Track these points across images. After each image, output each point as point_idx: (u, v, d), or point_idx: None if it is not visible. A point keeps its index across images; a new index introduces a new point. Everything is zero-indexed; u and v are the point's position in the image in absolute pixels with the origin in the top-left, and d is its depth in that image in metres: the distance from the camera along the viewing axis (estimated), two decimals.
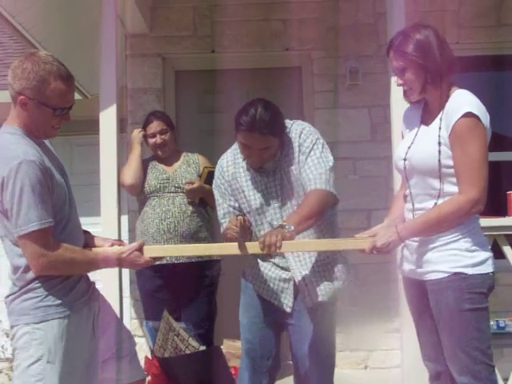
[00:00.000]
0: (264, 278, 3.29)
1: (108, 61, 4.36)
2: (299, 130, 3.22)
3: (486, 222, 3.52)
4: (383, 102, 4.89)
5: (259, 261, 3.31)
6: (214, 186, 3.38)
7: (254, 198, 3.22)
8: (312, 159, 3.15)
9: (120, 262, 2.83)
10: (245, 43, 5.73)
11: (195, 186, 4.51)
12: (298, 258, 3.21)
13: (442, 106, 2.79)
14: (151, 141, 4.65)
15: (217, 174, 3.37)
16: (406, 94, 2.93)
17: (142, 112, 5.54)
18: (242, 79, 5.74)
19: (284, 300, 3.25)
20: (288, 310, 3.24)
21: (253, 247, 2.87)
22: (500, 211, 4.58)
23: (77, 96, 6.63)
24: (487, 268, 2.74)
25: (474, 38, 5.67)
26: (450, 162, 2.71)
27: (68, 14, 5.34)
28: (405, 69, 2.81)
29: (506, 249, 4.29)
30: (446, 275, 2.72)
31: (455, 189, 2.72)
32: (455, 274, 2.71)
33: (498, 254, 4.09)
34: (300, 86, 5.82)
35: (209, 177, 4.46)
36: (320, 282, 3.22)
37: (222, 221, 3.30)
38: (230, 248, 2.93)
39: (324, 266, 3.24)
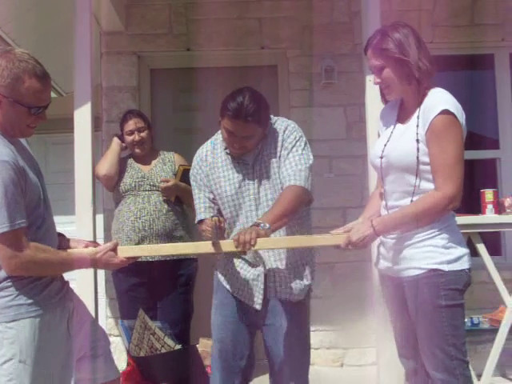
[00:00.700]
0: (235, 276, 3.28)
1: (82, 59, 4.34)
2: (284, 126, 3.24)
3: (460, 219, 3.55)
4: (358, 101, 4.91)
5: (230, 258, 3.31)
6: (191, 176, 3.39)
7: (230, 189, 3.22)
8: (293, 155, 3.16)
9: (94, 263, 2.81)
10: (220, 41, 5.72)
11: (170, 184, 4.50)
12: (272, 252, 3.22)
13: (418, 105, 2.81)
14: (129, 138, 4.64)
15: (194, 163, 3.37)
16: (383, 93, 2.94)
17: (117, 110, 5.52)
18: (218, 77, 5.73)
19: (253, 297, 3.25)
20: (257, 307, 3.23)
21: (227, 245, 2.86)
22: (474, 209, 4.63)
23: (52, 94, 6.55)
24: (463, 265, 2.76)
25: (448, 37, 5.72)
26: (427, 159, 2.73)
27: (42, 11, 5.31)
28: (383, 67, 2.82)
29: (480, 246, 4.33)
30: (422, 272, 2.74)
31: (431, 186, 2.74)
32: (431, 270, 2.72)
33: (472, 252, 4.13)
34: (275, 84, 5.82)
35: (184, 175, 4.45)
36: (291, 279, 3.23)
37: (198, 212, 3.31)
38: (205, 247, 2.92)
39: (295, 264, 3.25)
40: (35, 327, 2.58)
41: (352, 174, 5.53)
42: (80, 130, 4.34)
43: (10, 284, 2.57)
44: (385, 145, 2.90)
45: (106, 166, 4.53)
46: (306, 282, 3.26)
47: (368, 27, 4.15)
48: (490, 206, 4.47)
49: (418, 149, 2.73)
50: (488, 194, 4.50)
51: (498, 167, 5.82)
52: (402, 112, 2.96)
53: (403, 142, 2.80)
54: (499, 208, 4.52)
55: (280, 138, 3.21)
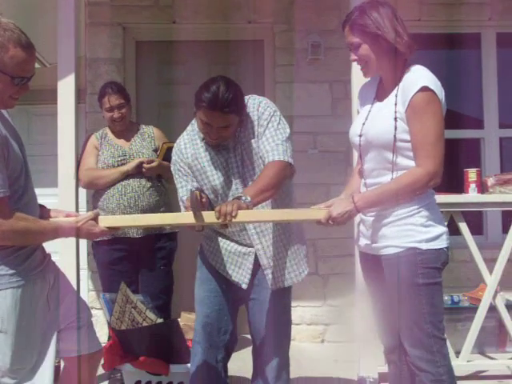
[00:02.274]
0: (221, 253, 3.29)
1: (65, 29, 4.28)
2: (257, 104, 3.20)
3: (442, 198, 3.58)
4: (344, 78, 4.89)
5: (219, 237, 3.31)
6: (173, 170, 3.33)
7: (218, 177, 3.20)
8: (270, 131, 3.14)
9: (74, 231, 2.80)
10: (206, 15, 5.67)
11: (154, 164, 4.47)
12: (264, 236, 3.23)
13: (396, 83, 2.80)
14: (108, 115, 4.59)
15: (175, 157, 3.31)
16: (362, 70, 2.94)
17: (101, 82, 5.44)
18: (204, 51, 5.71)
19: (240, 276, 3.26)
20: (244, 286, 3.25)
21: (208, 216, 2.84)
22: (457, 188, 4.65)
23: (36, 65, 6.50)
24: (441, 243, 2.77)
25: (435, 15, 5.70)
26: (406, 137, 2.73)
27: None
28: (360, 44, 2.81)
29: (462, 225, 4.35)
30: (401, 250, 2.75)
31: (410, 163, 2.74)
32: (409, 248, 2.73)
33: (455, 231, 4.16)
34: (261, 59, 5.80)
35: (167, 153, 4.43)
36: (285, 267, 3.26)
37: (184, 198, 3.26)
38: (186, 217, 2.90)
39: (286, 246, 3.28)
40: (16, 298, 2.57)
41: (336, 150, 5.53)
42: (63, 102, 4.30)
43: None
44: (363, 123, 2.90)
45: (105, 182, 4.48)
46: (300, 269, 3.33)
47: (355, 4, 4.09)
48: (472, 186, 4.48)
49: (395, 127, 2.73)
50: (471, 174, 4.51)
51: (481, 147, 5.85)
52: (380, 90, 2.95)
53: (381, 119, 2.80)
54: (482, 187, 4.53)
55: (255, 118, 3.18)
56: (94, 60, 5.63)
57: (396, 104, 2.75)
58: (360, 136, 2.89)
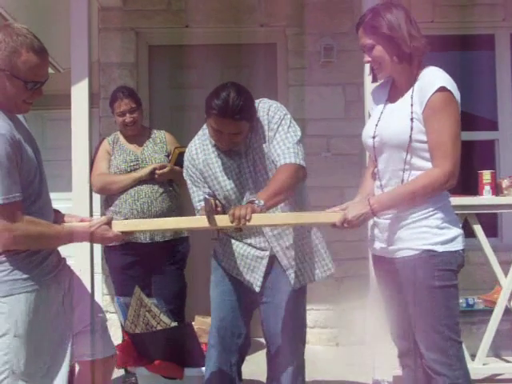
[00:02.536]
0: (234, 256, 3.29)
1: (79, 34, 4.30)
2: (266, 108, 3.20)
3: (457, 200, 3.55)
4: (357, 80, 4.88)
5: (232, 240, 3.31)
6: (185, 176, 3.33)
7: (229, 183, 3.20)
8: (280, 134, 3.13)
9: (88, 236, 2.80)
10: (219, 18, 5.68)
11: (166, 170, 4.47)
12: (281, 238, 3.24)
13: (411, 84, 2.79)
14: (120, 119, 4.59)
15: (187, 163, 3.32)
16: (373, 73, 2.93)
17: (114, 87, 5.44)
18: (216, 55, 5.72)
19: (253, 279, 3.26)
20: (257, 289, 3.25)
21: (222, 220, 2.84)
22: (471, 190, 4.62)
23: (49, 70, 6.52)
24: (457, 245, 2.75)
25: (448, 17, 5.69)
26: (422, 137, 2.72)
27: None
28: (373, 46, 2.81)
29: (477, 227, 4.33)
30: (416, 252, 2.74)
31: (425, 164, 2.73)
32: (425, 251, 2.72)
33: (469, 233, 4.14)
34: (274, 62, 5.80)
35: (179, 157, 4.44)
36: (309, 264, 3.28)
37: (198, 206, 3.27)
38: (200, 221, 2.90)
39: (306, 247, 3.28)
40: (30, 302, 2.58)
41: (350, 153, 5.52)
42: (77, 107, 4.31)
43: (5, 259, 2.57)
44: (376, 124, 2.89)
45: (118, 187, 4.49)
46: (321, 268, 3.34)
47: (368, 6, 4.08)
48: (487, 188, 4.46)
49: (411, 127, 2.72)
50: (486, 175, 4.49)
51: (496, 149, 5.82)
52: (392, 92, 2.94)
53: (396, 120, 2.79)
54: (496, 189, 4.51)
55: (265, 122, 3.17)
56: (107, 65, 5.65)
57: (412, 105, 2.74)
58: (373, 137, 2.88)
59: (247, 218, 2.76)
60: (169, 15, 5.71)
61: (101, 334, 2.95)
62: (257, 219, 2.81)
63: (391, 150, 2.81)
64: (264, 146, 3.16)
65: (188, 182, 3.32)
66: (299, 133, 3.19)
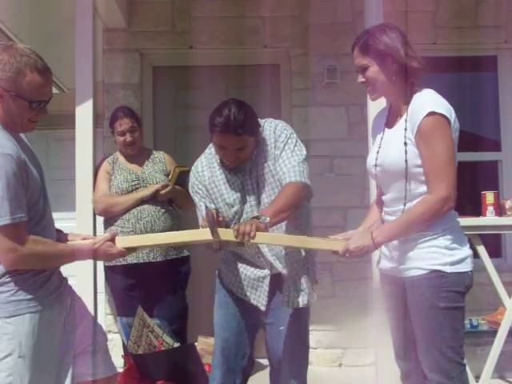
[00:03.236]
0: (239, 277, 3.29)
1: (84, 55, 4.34)
2: (273, 127, 3.22)
3: (460, 221, 3.54)
4: (361, 101, 4.90)
5: (236, 260, 3.32)
6: (191, 192, 3.35)
7: (233, 199, 3.20)
8: (286, 153, 3.15)
9: (92, 253, 2.80)
10: (223, 40, 5.72)
11: (169, 189, 4.48)
12: (279, 258, 3.23)
13: (405, 107, 2.80)
14: (120, 139, 4.60)
15: (193, 179, 3.34)
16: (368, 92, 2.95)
17: None
18: (220, 76, 5.74)
19: (258, 298, 3.25)
20: (262, 308, 3.24)
21: (226, 234, 2.84)
22: (475, 211, 4.62)
23: (54, 90, 6.56)
24: (466, 266, 2.74)
25: (451, 38, 5.71)
26: (419, 162, 2.72)
27: (45, 6, 5.29)
28: (368, 66, 2.83)
29: (480, 248, 4.32)
30: (424, 272, 2.72)
31: (425, 188, 2.73)
32: (433, 271, 2.71)
33: (473, 254, 4.13)
34: (278, 83, 5.82)
35: (179, 177, 4.45)
36: (301, 289, 3.25)
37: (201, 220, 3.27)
38: (203, 234, 2.88)
39: (303, 267, 3.26)
40: (34, 323, 2.58)
41: (353, 174, 5.52)
42: (81, 127, 4.34)
43: (9, 279, 2.57)
44: (377, 152, 2.90)
45: (120, 209, 4.48)
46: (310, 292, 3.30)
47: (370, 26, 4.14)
48: (490, 208, 4.46)
49: (405, 152, 2.72)
50: (489, 196, 4.49)
51: (499, 169, 5.81)
52: (390, 116, 2.96)
53: (393, 147, 2.80)
54: (500, 210, 4.51)
55: (272, 141, 3.19)
56: (112, 85, 5.68)
57: (406, 129, 2.75)
58: (375, 166, 2.89)
59: (251, 234, 2.76)
60: (173, 36, 5.74)
61: (102, 355, 2.94)
62: (261, 237, 2.81)
63: (393, 177, 2.81)
64: (270, 163, 3.17)
65: (195, 198, 3.33)
66: (305, 152, 3.20)
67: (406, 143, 2.72)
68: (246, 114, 3.06)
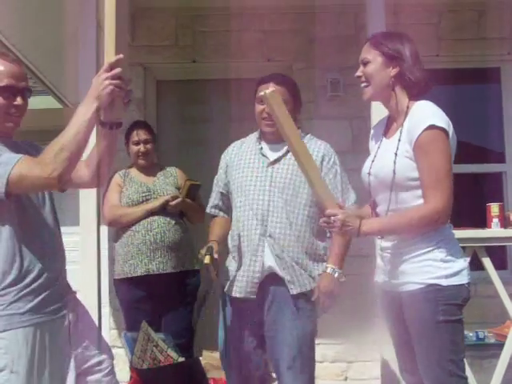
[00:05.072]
0: (236, 277, 3.32)
1: (87, 69, 4.33)
2: (322, 145, 3.52)
3: (465, 233, 3.54)
4: (364, 114, 4.88)
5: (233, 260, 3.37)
6: (215, 180, 3.56)
7: (246, 180, 3.33)
8: (340, 174, 3.53)
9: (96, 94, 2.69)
10: (226, 53, 5.72)
11: (179, 200, 4.49)
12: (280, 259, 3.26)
13: (402, 118, 2.80)
14: (134, 148, 4.64)
15: (222, 157, 3.56)
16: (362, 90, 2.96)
17: (122, 121, 5.50)
18: (224, 89, 5.75)
19: (255, 263, 3.28)
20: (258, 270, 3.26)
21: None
22: (480, 223, 4.60)
23: (58, 105, 6.60)
24: (462, 279, 2.72)
25: (454, 50, 5.72)
26: (415, 174, 2.71)
27: (49, 21, 5.31)
28: (369, 61, 2.85)
29: (486, 260, 4.30)
30: (421, 286, 2.71)
31: (419, 201, 2.72)
32: (430, 285, 2.69)
33: (478, 266, 4.11)
34: None
35: (190, 190, 4.47)
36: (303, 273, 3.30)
37: (210, 204, 3.57)
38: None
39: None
40: (28, 337, 2.52)
41: (357, 187, 5.48)
42: None
43: (1, 293, 2.52)
44: (372, 161, 2.91)
45: (129, 220, 4.51)
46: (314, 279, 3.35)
47: None
48: (495, 220, 4.44)
49: (394, 162, 2.72)
50: (494, 208, 4.47)
51: (503, 181, 5.80)
52: (388, 126, 2.97)
53: (386, 157, 2.80)
54: (505, 222, 4.49)
55: (321, 154, 3.47)
56: None
57: (400, 140, 2.74)
58: (369, 174, 2.89)
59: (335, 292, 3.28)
60: (176, 50, 5.76)
61: (108, 372, 2.86)
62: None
63: (385, 187, 2.81)
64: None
65: (214, 182, 3.56)
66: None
67: (396, 154, 2.72)
68: (285, 77, 3.53)
